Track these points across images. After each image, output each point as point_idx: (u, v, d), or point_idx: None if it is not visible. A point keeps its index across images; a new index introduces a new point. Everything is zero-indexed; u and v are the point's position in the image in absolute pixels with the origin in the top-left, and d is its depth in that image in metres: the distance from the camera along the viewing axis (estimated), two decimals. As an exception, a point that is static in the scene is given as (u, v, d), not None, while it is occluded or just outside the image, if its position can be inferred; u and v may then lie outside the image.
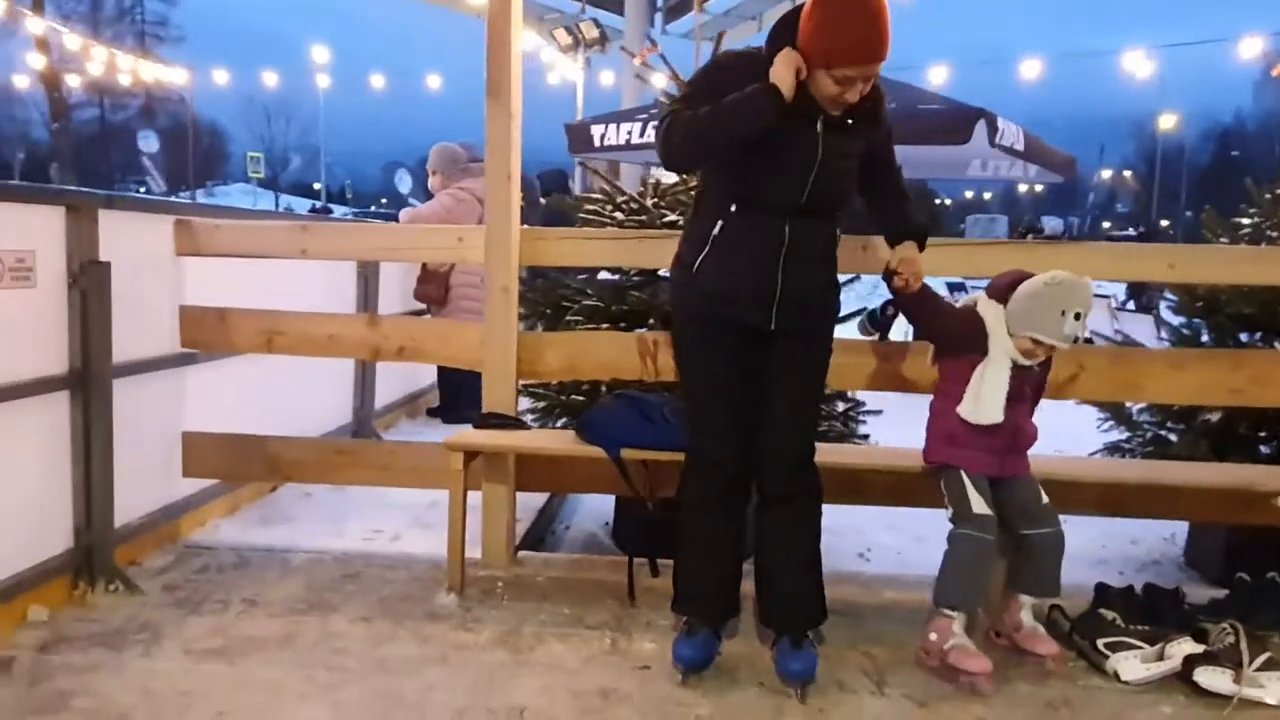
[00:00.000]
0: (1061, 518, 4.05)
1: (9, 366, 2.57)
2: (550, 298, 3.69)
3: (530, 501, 4.14)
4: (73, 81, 25.32)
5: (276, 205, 33.87)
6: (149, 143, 22.10)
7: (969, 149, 7.41)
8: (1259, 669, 2.47)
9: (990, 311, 2.55)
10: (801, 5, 2.24)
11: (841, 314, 2.65)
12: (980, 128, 6.40)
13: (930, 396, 2.76)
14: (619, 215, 3.50)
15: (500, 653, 2.58)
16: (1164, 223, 37.89)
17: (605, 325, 3.39)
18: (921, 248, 2.57)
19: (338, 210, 35.47)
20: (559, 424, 3.39)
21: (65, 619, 2.68)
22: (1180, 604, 2.85)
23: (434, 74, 13.16)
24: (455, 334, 3.27)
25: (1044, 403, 2.76)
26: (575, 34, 12.33)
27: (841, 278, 2.61)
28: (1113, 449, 3.98)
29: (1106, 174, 56.16)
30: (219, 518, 3.64)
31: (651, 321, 3.37)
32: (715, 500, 2.48)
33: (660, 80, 6.13)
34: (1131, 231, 27.39)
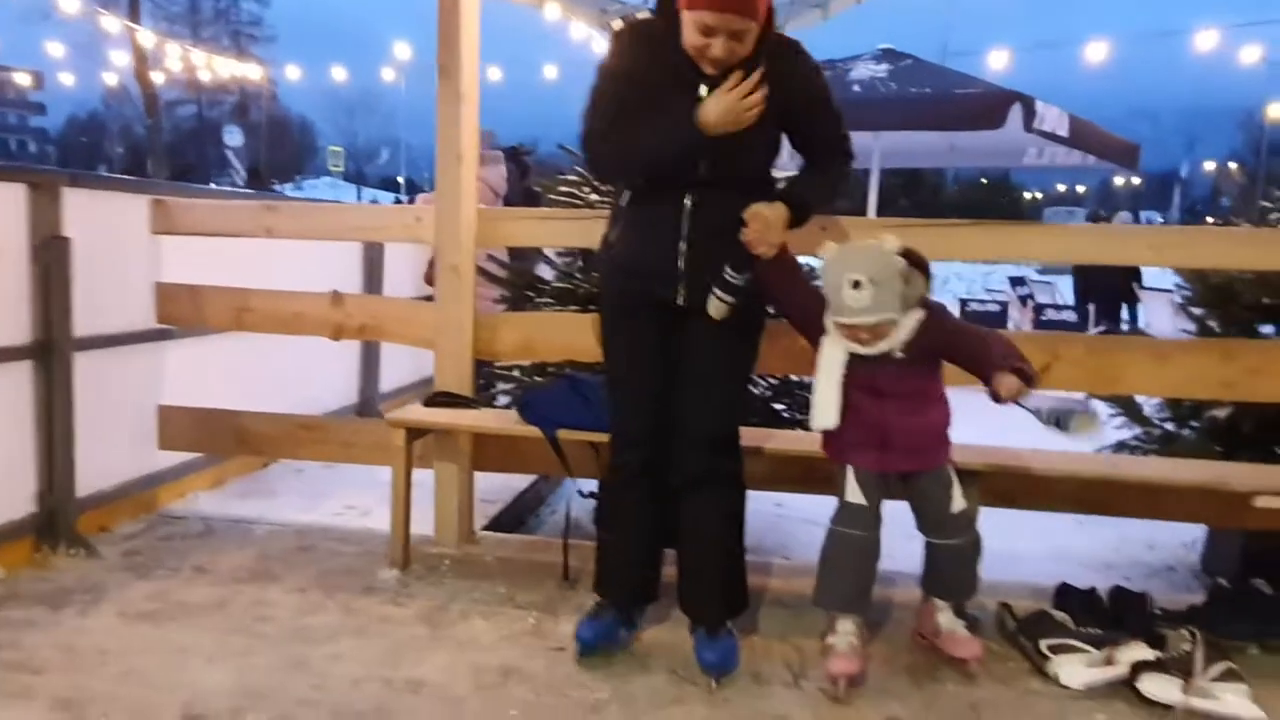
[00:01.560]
0: (1075, 519, 3.95)
1: (-29, 335, 2.70)
2: (525, 279, 3.70)
3: (514, 483, 4.17)
4: (157, 79, 26.57)
5: (359, 198, 34.87)
6: (234, 137, 23.07)
7: (1020, 136, 7.14)
8: (1216, 679, 2.30)
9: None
10: None
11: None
12: (1015, 112, 6.14)
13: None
14: (594, 197, 3.46)
15: (419, 628, 2.58)
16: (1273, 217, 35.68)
17: (574, 307, 3.37)
18: (795, 220, 2.28)
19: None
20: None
21: (22, 578, 2.80)
22: (1145, 609, 2.67)
23: (494, 66, 13.34)
24: (411, 313, 3.29)
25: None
26: (633, 24, 12.32)
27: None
28: (1119, 447, 3.77)
29: (1210, 166, 53.26)
30: (201, 490, 3.75)
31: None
32: (629, 481, 2.43)
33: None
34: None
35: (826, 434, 2.39)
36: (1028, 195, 52.86)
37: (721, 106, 2.09)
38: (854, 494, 2.32)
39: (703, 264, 2.25)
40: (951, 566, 2.41)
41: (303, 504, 3.72)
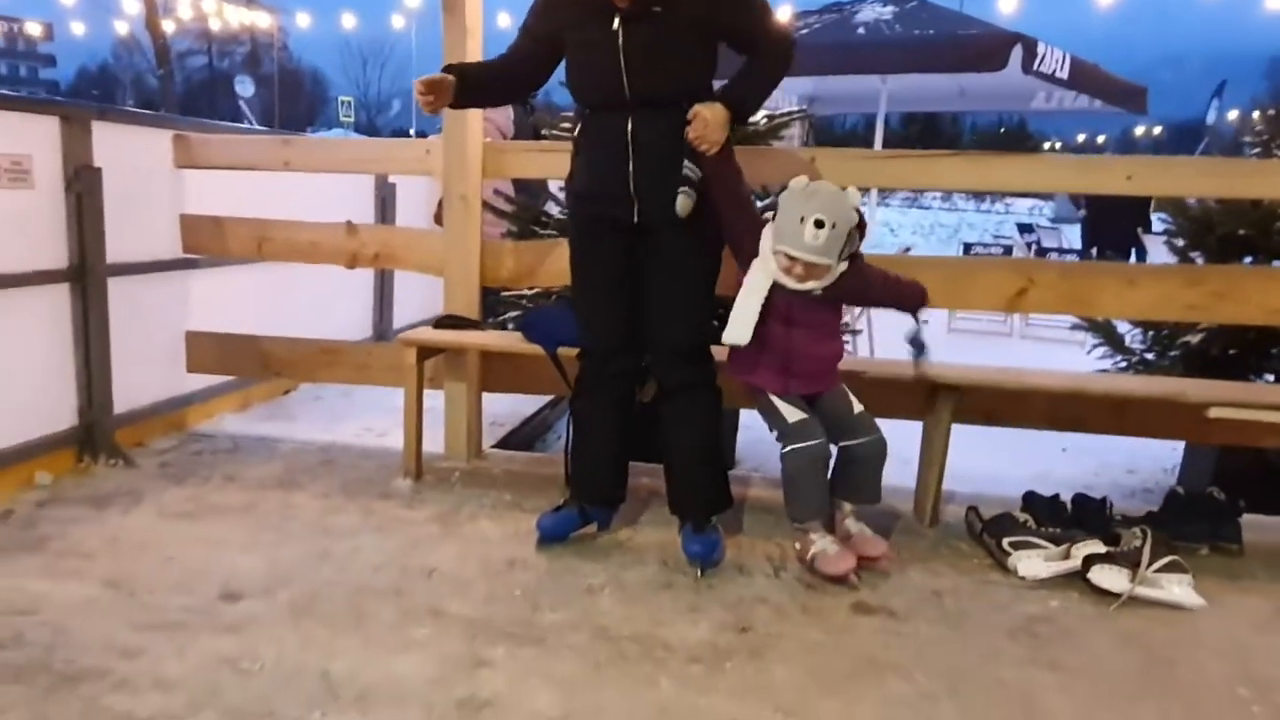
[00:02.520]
0: (1059, 446, 4.13)
1: (14, 258, 2.90)
2: (530, 213, 3.86)
3: (522, 409, 4.38)
4: (168, 28, 26.51)
5: (370, 149, 34.75)
6: (245, 87, 23.07)
7: (1026, 80, 7.17)
8: (1160, 570, 2.49)
9: (768, 231, 2.44)
10: None
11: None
12: (1016, 53, 6.19)
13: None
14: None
15: (432, 527, 2.81)
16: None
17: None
18: (736, 116, 2.37)
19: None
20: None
21: (66, 484, 3.04)
22: (1104, 513, 2.86)
23: (503, 12, 13.32)
24: (422, 241, 3.47)
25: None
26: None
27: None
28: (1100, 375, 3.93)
29: (1233, 115, 52.18)
30: (228, 412, 3.98)
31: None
32: (594, 391, 2.65)
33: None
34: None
35: (733, 353, 2.55)
36: (1046, 145, 52.13)
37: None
38: (791, 413, 2.48)
39: (652, 182, 2.41)
40: (861, 469, 2.58)
41: (323, 425, 3.94)
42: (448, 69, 2.47)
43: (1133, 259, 11.04)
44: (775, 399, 2.49)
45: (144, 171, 3.38)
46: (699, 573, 2.54)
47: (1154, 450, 4.21)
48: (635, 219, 2.47)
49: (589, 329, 2.65)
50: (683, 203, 2.36)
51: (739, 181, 2.49)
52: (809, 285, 2.41)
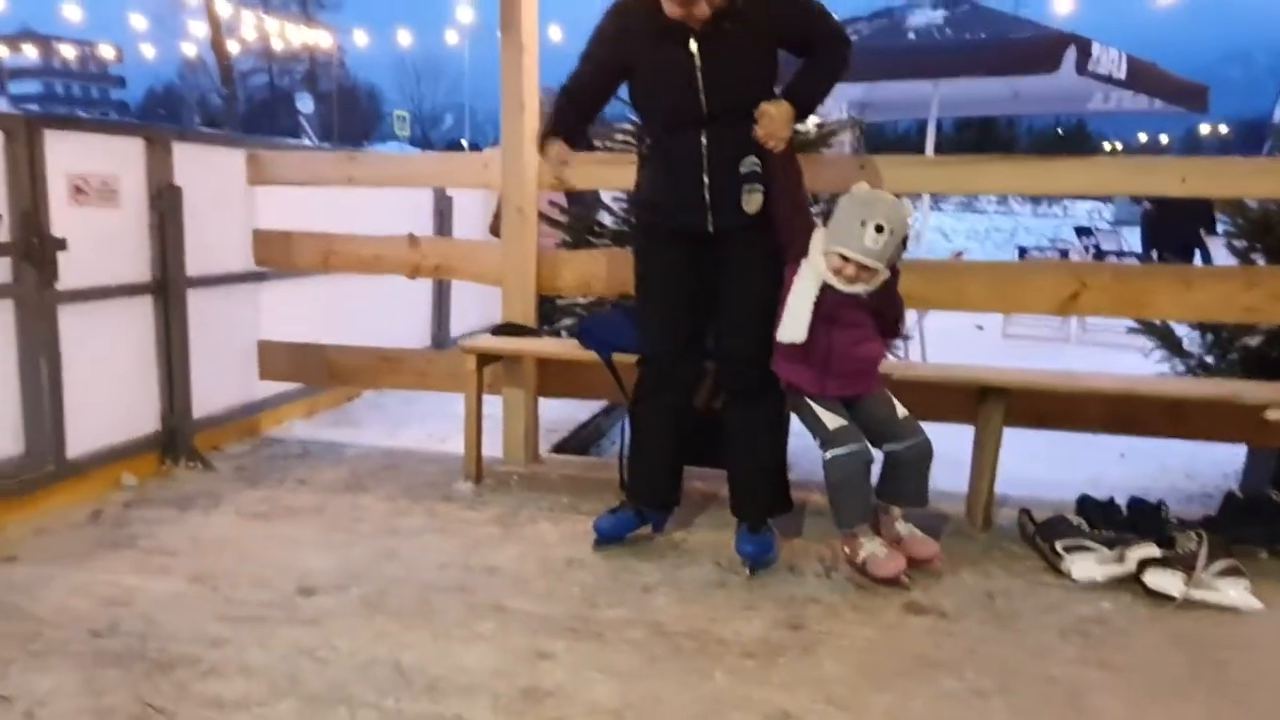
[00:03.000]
0: (1118, 451, 4.10)
1: (103, 272, 3.09)
2: (585, 222, 3.97)
3: (577, 416, 4.49)
4: (233, 48, 27.41)
5: (424, 162, 35.47)
6: (305, 104, 23.77)
7: (1081, 81, 7.09)
8: (1216, 573, 2.49)
9: (818, 233, 2.51)
10: None
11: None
12: (1070, 54, 6.13)
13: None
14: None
15: (493, 528, 2.92)
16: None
17: (628, 246, 3.63)
18: (800, 112, 2.50)
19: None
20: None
21: (150, 486, 3.22)
22: (1160, 516, 2.85)
23: (555, 25, 13.56)
24: (480, 253, 3.59)
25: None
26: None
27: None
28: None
29: (1303, 112, 50.34)
30: (296, 418, 4.16)
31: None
32: (654, 396, 2.73)
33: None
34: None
35: (777, 351, 2.59)
36: (1107, 146, 50.95)
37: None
38: (831, 420, 2.52)
39: (726, 192, 2.49)
40: (907, 473, 2.60)
41: (385, 432, 4.09)
42: (550, 134, 2.67)
43: (1198, 261, 10.81)
44: (815, 405, 2.54)
45: (220, 189, 3.56)
46: (749, 572, 2.60)
47: (1214, 455, 4.14)
48: (710, 228, 2.54)
49: (652, 336, 2.72)
50: (753, 199, 2.44)
51: (799, 182, 2.58)
52: (856, 288, 2.47)
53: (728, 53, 2.42)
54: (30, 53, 30.11)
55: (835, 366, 2.53)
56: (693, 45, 2.41)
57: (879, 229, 2.37)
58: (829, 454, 2.51)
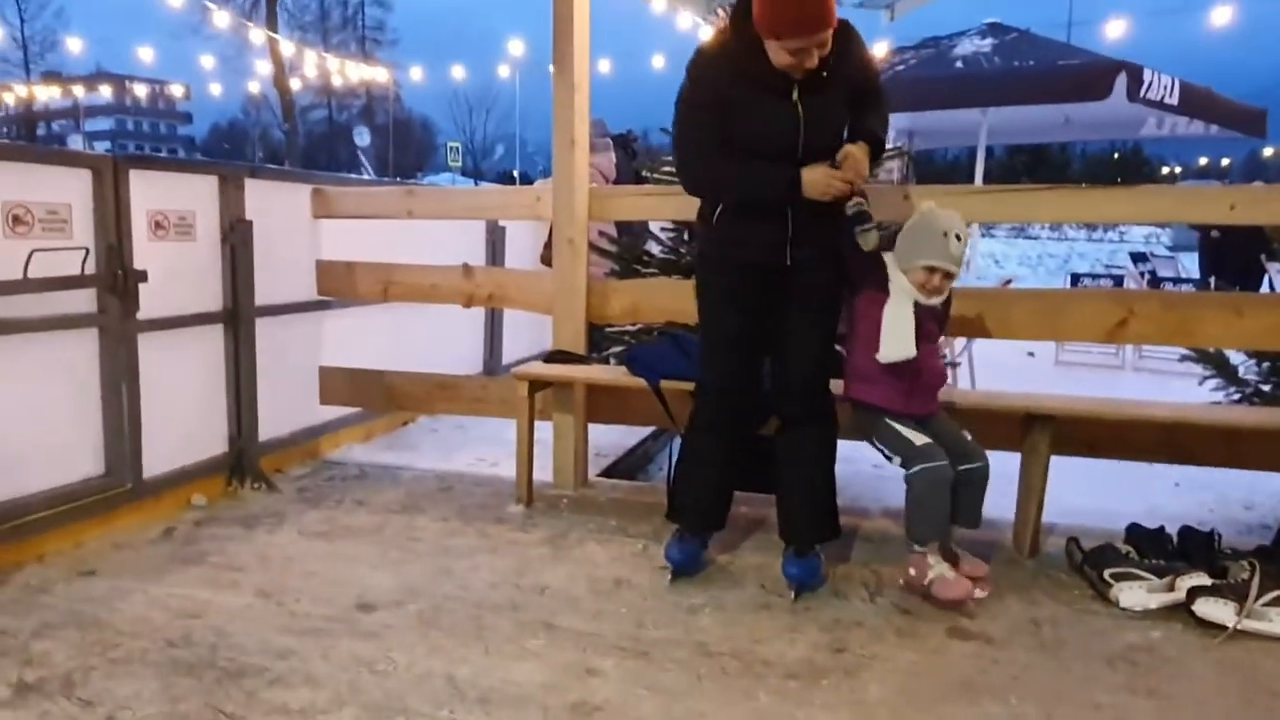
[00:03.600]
0: (1173, 480, 4.04)
1: (178, 302, 3.27)
2: (633, 252, 4.07)
3: (625, 441, 4.57)
4: (295, 85, 28.40)
5: (477, 192, 36.21)
6: (362, 137, 24.55)
7: (1133, 106, 7.05)
8: (1268, 603, 2.46)
9: (886, 258, 2.62)
10: None
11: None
12: (1121, 81, 6.11)
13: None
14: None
15: (543, 549, 3.00)
16: None
17: (677, 276, 3.73)
18: (874, 156, 2.60)
19: (532, 195, 37.28)
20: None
21: (219, 505, 3.37)
22: (1211, 546, 2.82)
23: (604, 59, 13.86)
24: (532, 282, 3.71)
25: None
26: (738, 10, 12.50)
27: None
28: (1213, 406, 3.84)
29: (1375, 133, 48.84)
30: (354, 442, 4.30)
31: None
32: (714, 427, 2.77)
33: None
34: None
35: (853, 375, 2.69)
36: (1165, 169, 49.90)
37: (820, 185, 2.46)
38: (916, 437, 2.57)
39: (806, 227, 2.57)
40: (971, 493, 2.64)
41: (439, 456, 4.21)
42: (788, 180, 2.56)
43: (1265, 288, 10.54)
44: (896, 425, 2.60)
45: (287, 222, 3.75)
46: (794, 595, 2.64)
47: (1274, 486, 4.06)
48: (787, 261, 2.59)
49: (715, 367, 2.75)
50: (869, 238, 2.52)
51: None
52: (937, 299, 2.60)
53: (824, 100, 2.49)
54: (104, 92, 31.50)
55: (923, 380, 2.63)
56: (795, 95, 2.47)
57: (958, 237, 2.53)
58: (916, 468, 2.56)
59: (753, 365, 2.74)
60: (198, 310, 3.35)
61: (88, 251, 2.90)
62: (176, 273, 3.24)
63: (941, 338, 2.80)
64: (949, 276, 2.58)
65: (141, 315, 3.08)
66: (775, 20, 2.34)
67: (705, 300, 2.79)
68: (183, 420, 3.34)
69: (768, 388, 2.77)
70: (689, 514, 2.84)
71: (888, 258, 2.63)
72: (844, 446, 3.62)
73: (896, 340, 2.56)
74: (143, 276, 3.03)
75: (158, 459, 3.22)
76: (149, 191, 3.11)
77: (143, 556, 2.88)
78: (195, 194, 3.31)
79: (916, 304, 2.57)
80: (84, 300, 2.94)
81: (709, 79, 2.53)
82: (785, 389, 2.74)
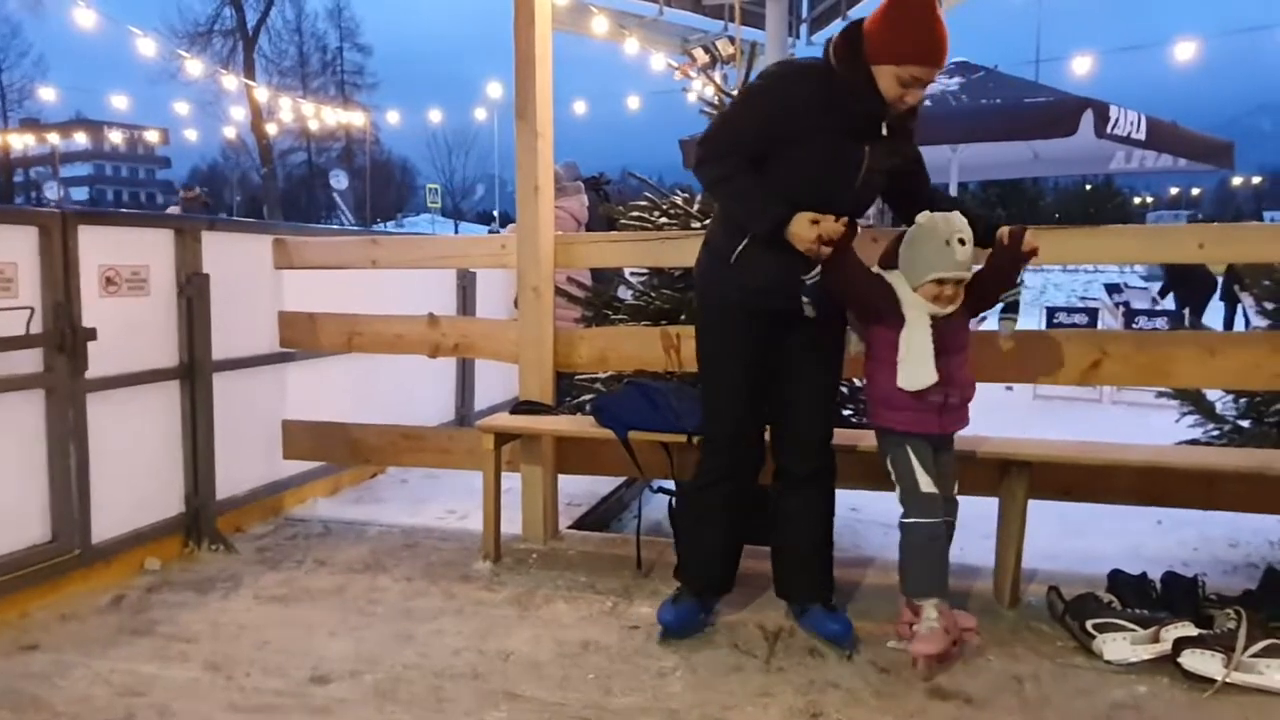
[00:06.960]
0: (1155, 520, 3.98)
1: (132, 359, 3.17)
2: (603, 298, 4.01)
3: (599, 489, 4.47)
4: (272, 130, 28.48)
5: (456, 232, 36.32)
6: (339, 180, 24.55)
7: (1099, 142, 7.11)
8: (1258, 655, 2.39)
9: (891, 279, 2.50)
10: (855, 21, 2.36)
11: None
12: (1087, 118, 6.16)
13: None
14: (664, 220, 3.76)
15: (509, 609, 2.89)
16: None
17: (646, 322, 3.67)
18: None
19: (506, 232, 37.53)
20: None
21: (173, 569, 3.24)
22: (1196, 593, 2.75)
23: (579, 100, 13.93)
24: (499, 331, 3.64)
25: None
26: (713, 51, 12.63)
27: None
28: (1191, 444, 3.80)
29: (1338, 162, 49.95)
30: (320, 496, 4.18)
31: (683, 317, 3.60)
32: (720, 482, 2.67)
33: (700, 90, 6.57)
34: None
35: (881, 397, 2.53)
36: (1137, 200, 50.80)
37: (803, 238, 2.33)
38: (925, 482, 2.48)
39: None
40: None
41: (408, 509, 4.10)
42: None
43: (1239, 318, 10.88)
44: (915, 460, 2.48)
45: (247, 274, 3.66)
46: (849, 655, 2.54)
47: (1257, 523, 4.00)
48: (809, 313, 2.48)
49: (725, 416, 2.64)
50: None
51: (858, 263, 2.52)
52: (952, 307, 2.46)
53: (884, 162, 2.43)
54: (81, 138, 31.48)
55: (955, 396, 2.50)
56: (866, 146, 2.38)
57: (961, 241, 2.41)
58: (913, 520, 2.48)
59: (761, 413, 2.65)
60: (152, 366, 3.25)
61: (32, 311, 2.80)
62: (129, 329, 3.14)
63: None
64: (960, 282, 2.46)
65: (91, 373, 2.97)
66: (902, 42, 2.25)
67: (713, 346, 2.65)
68: (136, 480, 3.22)
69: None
70: (695, 579, 2.74)
71: (895, 278, 2.49)
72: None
73: (917, 366, 2.42)
74: (91, 334, 2.93)
75: (109, 522, 3.09)
76: (100, 246, 3.02)
77: (89, 628, 2.75)
78: (149, 247, 3.23)
79: (934, 319, 2.44)
80: (30, 360, 2.84)
81: (795, 96, 2.36)
82: (798, 444, 2.64)
